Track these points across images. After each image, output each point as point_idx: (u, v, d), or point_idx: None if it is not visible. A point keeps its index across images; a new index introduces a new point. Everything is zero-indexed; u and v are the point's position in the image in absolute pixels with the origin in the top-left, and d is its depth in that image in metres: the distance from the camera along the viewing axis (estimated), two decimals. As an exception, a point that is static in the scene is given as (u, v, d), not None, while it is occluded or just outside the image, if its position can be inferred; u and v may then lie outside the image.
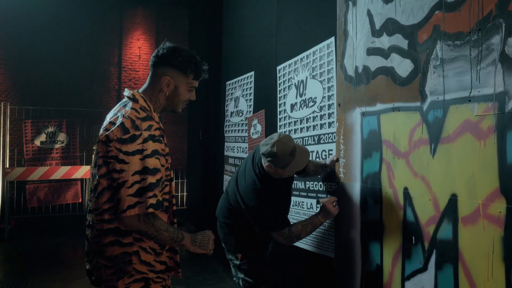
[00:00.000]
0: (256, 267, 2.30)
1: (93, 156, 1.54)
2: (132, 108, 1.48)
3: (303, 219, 2.19)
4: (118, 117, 1.48)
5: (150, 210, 1.39)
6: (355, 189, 2.02)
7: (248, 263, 2.29)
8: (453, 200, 1.46)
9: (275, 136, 2.02)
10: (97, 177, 1.48)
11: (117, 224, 1.44)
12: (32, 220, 6.51)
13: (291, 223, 2.12)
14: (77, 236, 5.96)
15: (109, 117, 1.55)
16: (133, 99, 1.53)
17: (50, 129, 6.61)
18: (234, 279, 2.40)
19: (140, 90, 1.61)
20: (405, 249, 1.69)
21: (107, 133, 1.45)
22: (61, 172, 6.18)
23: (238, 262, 2.31)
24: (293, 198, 2.77)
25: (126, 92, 1.58)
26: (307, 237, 2.61)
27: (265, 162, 2.03)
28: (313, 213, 2.56)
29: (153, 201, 1.40)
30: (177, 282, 3.77)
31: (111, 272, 1.46)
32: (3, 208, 6.02)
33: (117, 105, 1.60)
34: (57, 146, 6.67)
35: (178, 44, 1.62)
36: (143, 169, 1.40)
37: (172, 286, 1.78)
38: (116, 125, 1.44)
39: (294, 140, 2.79)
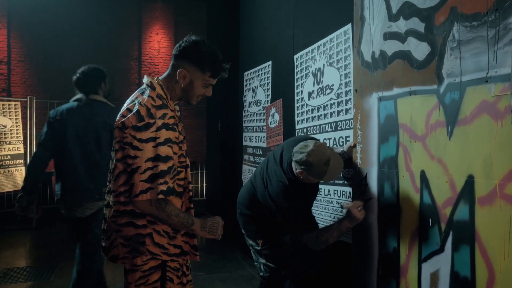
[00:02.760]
0: (277, 252, 2.35)
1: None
2: (149, 96, 1.53)
3: (329, 224, 2.14)
4: (135, 104, 1.53)
5: (160, 196, 1.45)
6: (372, 174, 2.04)
7: (269, 248, 2.34)
8: (469, 181, 1.46)
9: (310, 144, 1.96)
10: (114, 160, 1.55)
11: (132, 207, 1.51)
12: (58, 210, 6.73)
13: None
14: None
15: (126, 103, 1.60)
16: (151, 86, 1.57)
17: (74, 122, 6.80)
18: (256, 263, 2.46)
19: (160, 77, 1.65)
20: (422, 231, 1.71)
21: (123, 119, 1.50)
22: (85, 163, 6.36)
23: (259, 248, 2.36)
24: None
25: (145, 79, 1.62)
26: (326, 224, 2.64)
27: (296, 169, 2.01)
28: (330, 200, 2.59)
29: (163, 187, 1.45)
30: (198, 268, 3.87)
31: (127, 250, 1.54)
32: (31, 198, 6.25)
33: (136, 91, 1.65)
34: (80, 138, 6.86)
35: (203, 39, 1.62)
36: (156, 156, 1.45)
37: (192, 272, 1.84)
38: (132, 112, 1.49)
39: (312, 127, 2.82)
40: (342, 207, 2.12)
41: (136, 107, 1.51)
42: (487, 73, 1.39)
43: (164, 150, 1.46)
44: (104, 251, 1.66)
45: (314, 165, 1.91)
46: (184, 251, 1.63)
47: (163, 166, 1.45)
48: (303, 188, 2.11)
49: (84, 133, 2.60)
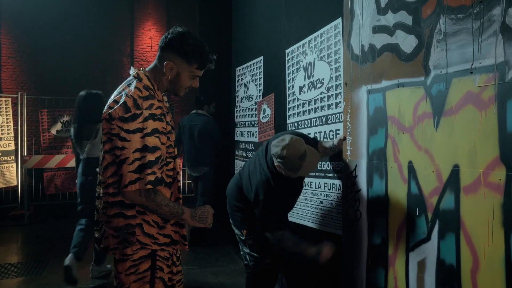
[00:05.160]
0: (260, 243, 2.38)
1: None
2: (135, 87, 1.53)
3: (299, 239, 2.26)
4: (122, 95, 1.53)
5: (149, 186, 1.46)
6: (362, 165, 2.06)
7: (253, 238, 2.38)
8: (455, 171, 1.49)
9: (286, 138, 2.03)
10: (102, 152, 1.56)
11: (121, 198, 1.52)
12: (50, 207, 6.71)
13: (299, 203, 2.19)
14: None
15: (113, 95, 1.60)
16: (137, 77, 1.57)
17: (66, 118, 6.75)
18: (241, 253, 2.50)
19: (147, 69, 1.65)
20: (409, 221, 1.74)
21: (110, 111, 1.50)
22: (77, 160, 6.33)
23: (243, 238, 2.40)
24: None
25: (132, 71, 1.62)
26: (316, 217, 2.67)
27: (275, 162, 2.10)
28: (321, 193, 2.62)
29: (151, 178, 1.46)
30: (191, 262, 3.88)
31: (117, 241, 1.55)
32: (22, 195, 6.22)
33: (123, 83, 1.64)
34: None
35: (189, 30, 1.62)
36: (143, 147, 1.45)
37: (185, 266, 1.86)
38: (119, 104, 1.50)
39: (303, 121, 2.84)
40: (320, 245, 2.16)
41: (123, 98, 1.50)
42: (472, 64, 1.42)
43: (152, 141, 1.47)
44: (96, 242, 1.66)
45: (288, 159, 1.99)
46: (174, 240, 1.64)
47: (150, 157, 1.46)
48: (285, 183, 2.16)
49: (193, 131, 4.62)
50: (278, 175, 2.14)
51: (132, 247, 1.53)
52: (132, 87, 1.54)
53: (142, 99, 1.50)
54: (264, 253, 2.39)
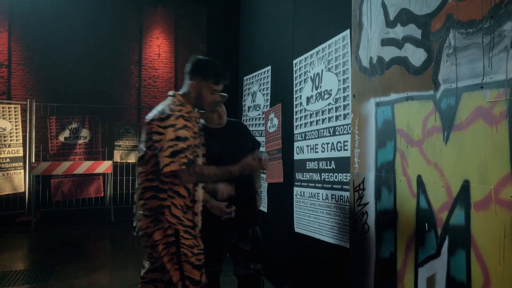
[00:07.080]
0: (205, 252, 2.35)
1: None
2: (171, 100, 1.96)
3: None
4: (160, 106, 1.93)
5: (183, 167, 1.79)
6: (370, 178, 2.05)
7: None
8: (465, 186, 1.48)
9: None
10: (144, 148, 1.91)
11: (157, 183, 1.86)
12: (57, 213, 6.74)
13: (307, 214, 2.15)
14: (99, 228, 6.14)
15: (155, 109, 1.96)
16: (172, 95, 2.01)
17: (74, 125, 6.82)
18: None
19: (179, 92, 2.03)
20: (418, 236, 1.72)
21: (150, 115, 1.89)
22: (84, 167, 6.38)
23: None
24: (308, 189, 2.82)
25: (170, 92, 2.04)
26: (324, 229, 2.65)
27: (190, 81, 2.20)
28: (328, 205, 2.60)
29: (185, 160, 1.80)
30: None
31: (149, 221, 1.86)
32: (30, 201, 6.26)
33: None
34: (80, 141, 6.87)
35: (204, 57, 2.06)
36: (176, 137, 1.81)
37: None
38: (157, 111, 1.91)
39: (310, 132, 2.83)
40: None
41: (161, 108, 1.91)
42: (483, 79, 1.41)
43: (183, 133, 1.83)
44: (135, 230, 1.95)
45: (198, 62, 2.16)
46: (196, 224, 1.95)
47: (183, 145, 1.81)
48: (209, 139, 2.29)
49: None
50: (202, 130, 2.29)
51: (160, 232, 1.83)
52: (168, 101, 1.95)
53: (174, 105, 1.91)
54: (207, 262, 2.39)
